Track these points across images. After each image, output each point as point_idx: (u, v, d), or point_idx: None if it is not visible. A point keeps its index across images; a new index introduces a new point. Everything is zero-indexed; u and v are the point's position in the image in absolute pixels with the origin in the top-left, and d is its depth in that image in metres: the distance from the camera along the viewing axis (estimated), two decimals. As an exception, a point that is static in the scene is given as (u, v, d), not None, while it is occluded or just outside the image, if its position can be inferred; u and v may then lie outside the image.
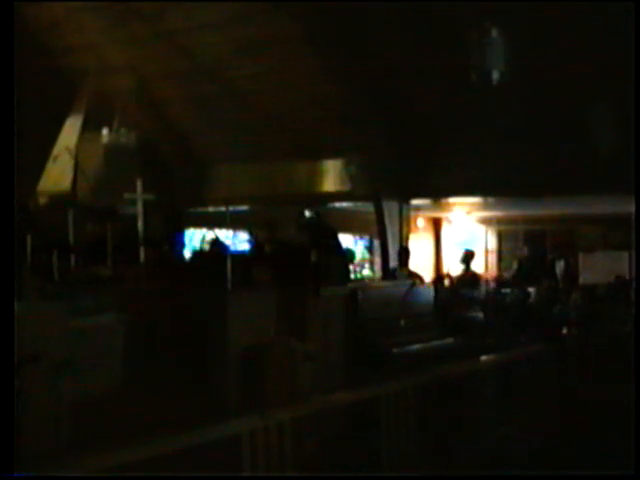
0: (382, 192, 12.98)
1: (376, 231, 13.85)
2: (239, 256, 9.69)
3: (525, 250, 13.09)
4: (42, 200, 12.24)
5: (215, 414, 5.44)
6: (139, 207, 9.84)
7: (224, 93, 12.86)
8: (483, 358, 6.97)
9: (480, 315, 9.74)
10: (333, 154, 12.80)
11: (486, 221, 18.25)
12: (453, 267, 16.84)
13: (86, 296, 7.06)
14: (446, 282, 12.15)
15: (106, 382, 6.52)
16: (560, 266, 11.80)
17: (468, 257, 11.25)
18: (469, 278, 11.00)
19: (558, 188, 11.81)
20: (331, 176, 13.05)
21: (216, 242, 10.04)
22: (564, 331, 9.37)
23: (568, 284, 10.76)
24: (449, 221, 18.66)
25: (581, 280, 13.25)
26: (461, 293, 10.51)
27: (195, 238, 15.14)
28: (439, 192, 13.43)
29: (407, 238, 13.48)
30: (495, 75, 7.39)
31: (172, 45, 12.26)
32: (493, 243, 18.47)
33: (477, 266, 11.08)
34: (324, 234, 9.48)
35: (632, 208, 10.59)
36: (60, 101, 12.90)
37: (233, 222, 11.55)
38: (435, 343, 8.09)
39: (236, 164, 14.00)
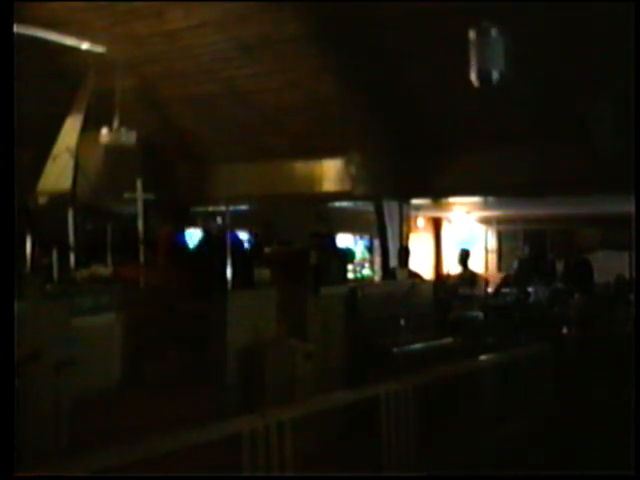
0: (382, 192, 12.98)
1: (376, 231, 13.85)
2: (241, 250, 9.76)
3: (525, 250, 13.09)
4: (42, 200, 12.24)
5: (215, 413, 5.45)
6: (139, 207, 9.87)
7: (224, 92, 12.85)
8: (483, 358, 6.97)
9: (480, 315, 9.75)
10: (333, 154, 12.80)
11: (486, 221, 18.26)
12: (453, 267, 16.89)
13: (86, 296, 7.08)
14: (448, 282, 12.16)
15: (106, 381, 6.53)
16: (560, 266, 11.80)
17: (465, 257, 11.27)
18: (468, 278, 11.01)
19: (558, 188, 11.81)
20: (331, 176, 13.05)
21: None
22: (564, 331, 9.37)
23: (568, 284, 10.76)
24: (449, 221, 18.68)
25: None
26: (459, 293, 10.53)
27: (195, 237, 15.13)
28: (439, 192, 13.43)
29: (407, 238, 13.48)
30: (495, 75, 7.37)
31: (172, 44, 12.26)
32: (493, 243, 18.49)
33: (477, 266, 11.06)
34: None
35: (632, 208, 10.58)
36: (60, 101, 12.89)
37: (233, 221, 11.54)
38: (435, 343, 8.09)
39: (236, 164, 14.00)
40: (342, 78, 11.83)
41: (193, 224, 10.41)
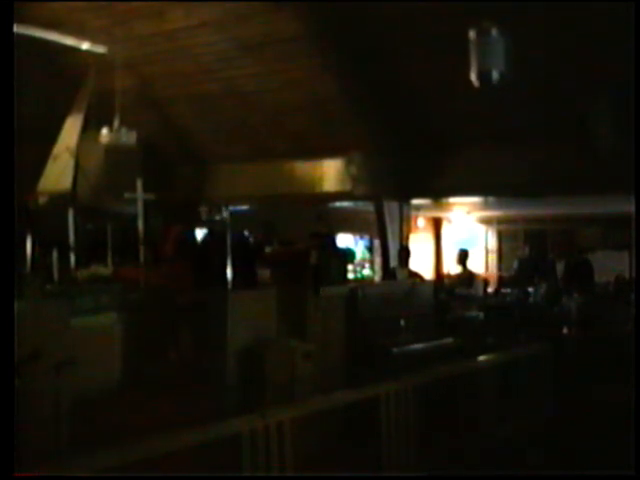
0: (382, 192, 12.98)
1: (376, 231, 13.85)
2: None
3: (525, 250, 13.11)
4: (42, 200, 12.23)
5: (215, 413, 5.44)
6: (139, 207, 9.86)
7: (224, 92, 12.86)
8: (483, 358, 6.97)
9: (480, 315, 9.76)
10: (333, 154, 12.79)
11: (486, 221, 18.28)
12: (453, 267, 16.91)
13: (86, 296, 7.07)
14: (445, 282, 12.21)
15: (106, 381, 6.52)
16: (560, 266, 11.82)
17: (463, 256, 11.29)
18: (466, 277, 11.04)
19: (558, 188, 11.81)
20: (331, 176, 13.04)
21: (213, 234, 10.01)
22: (564, 331, 9.37)
23: (568, 284, 10.77)
24: (449, 221, 18.69)
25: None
26: (457, 293, 10.55)
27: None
28: (439, 192, 13.43)
29: (407, 238, 13.49)
30: (495, 75, 7.38)
31: (172, 44, 12.26)
32: (493, 243, 18.50)
33: (477, 266, 11.08)
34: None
35: (632, 208, 10.59)
36: (60, 101, 12.89)
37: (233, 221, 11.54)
38: (435, 343, 8.09)
39: (236, 164, 14.00)
40: (342, 78, 11.83)
41: (200, 223, 10.41)
